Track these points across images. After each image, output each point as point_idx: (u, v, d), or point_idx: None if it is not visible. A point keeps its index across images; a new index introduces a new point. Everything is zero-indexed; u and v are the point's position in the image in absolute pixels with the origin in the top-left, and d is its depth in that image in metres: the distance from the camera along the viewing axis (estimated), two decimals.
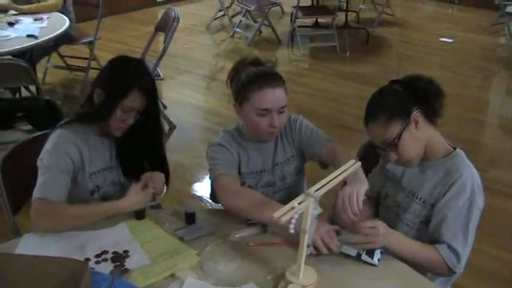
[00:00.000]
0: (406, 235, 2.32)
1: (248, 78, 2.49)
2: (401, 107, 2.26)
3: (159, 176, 2.49)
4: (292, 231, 1.99)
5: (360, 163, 2.22)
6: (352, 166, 2.19)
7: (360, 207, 2.16)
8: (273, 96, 2.47)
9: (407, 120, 2.24)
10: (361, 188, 2.19)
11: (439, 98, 2.29)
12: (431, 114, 2.31)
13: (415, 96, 2.26)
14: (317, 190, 1.98)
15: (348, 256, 2.20)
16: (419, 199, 2.39)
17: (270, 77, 2.50)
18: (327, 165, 2.63)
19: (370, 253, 2.18)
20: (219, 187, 2.51)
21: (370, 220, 2.21)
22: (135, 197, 2.39)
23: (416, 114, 2.25)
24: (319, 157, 2.62)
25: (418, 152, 2.33)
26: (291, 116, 2.68)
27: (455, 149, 2.38)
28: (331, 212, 2.90)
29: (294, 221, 1.98)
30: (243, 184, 2.62)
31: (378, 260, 2.17)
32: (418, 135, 2.28)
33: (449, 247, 2.22)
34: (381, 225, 2.18)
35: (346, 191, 2.18)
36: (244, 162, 2.64)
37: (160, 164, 2.64)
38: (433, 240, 2.28)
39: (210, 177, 2.61)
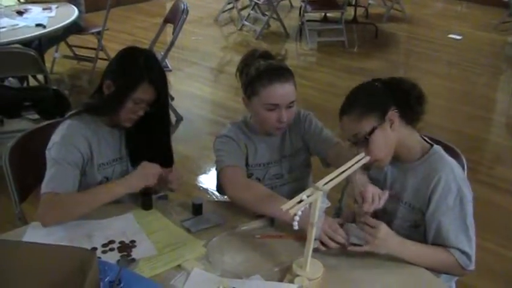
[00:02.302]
0: None
1: (257, 72, 2.48)
2: (378, 103, 2.24)
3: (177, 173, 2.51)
4: (296, 227, 2.00)
5: (368, 157, 2.21)
6: (360, 161, 2.18)
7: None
8: (282, 91, 2.47)
9: (382, 118, 2.22)
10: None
11: (421, 103, 2.27)
12: (411, 118, 2.28)
13: (395, 96, 2.24)
14: (325, 184, 1.98)
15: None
16: (405, 203, 2.36)
17: (280, 72, 2.49)
18: (330, 165, 2.62)
19: None
20: (225, 178, 2.51)
21: (375, 220, 2.19)
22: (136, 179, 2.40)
23: (392, 114, 2.23)
24: (325, 157, 2.62)
25: (388, 152, 2.29)
26: (300, 111, 2.68)
27: (432, 145, 2.35)
28: (338, 205, 2.92)
29: (297, 217, 1.99)
30: (250, 176, 2.62)
31: None
32: (390, 135, 2.25)
33: (458, 249, 2.19)
34: (383, 229, 2.14)
35: (374, 191, 2.20)
36: (252, 154, 2.63)
37: (166, 155, 2.64)
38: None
39: (216, 169, 2.61)
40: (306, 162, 2.73)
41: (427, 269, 2.17)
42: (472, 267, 2.22)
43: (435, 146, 2.34)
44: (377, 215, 2.42)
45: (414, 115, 2.28)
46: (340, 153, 2.49)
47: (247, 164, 2.62)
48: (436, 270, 2.22)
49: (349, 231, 2.22)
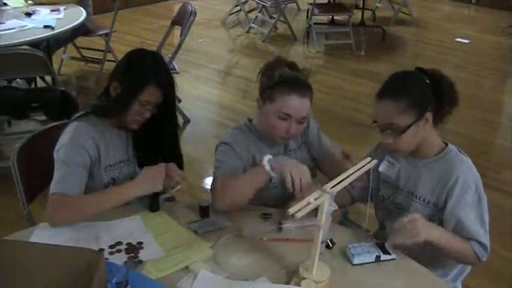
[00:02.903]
0: None
1: (281, 79, 2.50)
2: (424, 101, 2.26)
3: (175, 168, 2.49)
4: (267, 168, 2.30)
5: (375, 161, 2.21)
6: (367, 164, 2.18)
7: None
8: (298, 104, 2.48)
9: (421, 116, 2.24)
10: None
11: (453, 105, 2.30)
12: (439, 117, 2.31)
13: (435, 95, 2.26)
14: (333, 187, 1.98)
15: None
16: (419, 198, 2.39)
17: (302, 85, 2.51)
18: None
19: (386, 251, 2.19)
20: (215, 190, 2.49)
21: (407, 215, 2.16)
22: (144, 182, 2.39)
23: (429, 114, 2.26)
24: (320, 163, 2.74)
25: (411, 146, 2.33)
26: None
27: (447, 144, 2.38)
28: (344, 209, 2.91)
29: (266, 162, 2.27)
30: None
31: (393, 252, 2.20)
32: (420, 132, 2.28)
33: (476, 241, 2.24)
34: (419, 218, 2.13)
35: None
36: (258, 155, 2.63)
37: (175, 158, 2.63)
38: None
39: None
40: (311, 157, 2.77)
41: (448, 255, 2.23)
42: (485, 258, 2.27)
43: (450, 145, 2.39)
44: (388, 208, 2.50)
45: (443, 115, 2.31)
46: (332, 167, 2.54)
47: (255, 164, 2.62)
48: (455, 258, 2.25)
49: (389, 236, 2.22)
